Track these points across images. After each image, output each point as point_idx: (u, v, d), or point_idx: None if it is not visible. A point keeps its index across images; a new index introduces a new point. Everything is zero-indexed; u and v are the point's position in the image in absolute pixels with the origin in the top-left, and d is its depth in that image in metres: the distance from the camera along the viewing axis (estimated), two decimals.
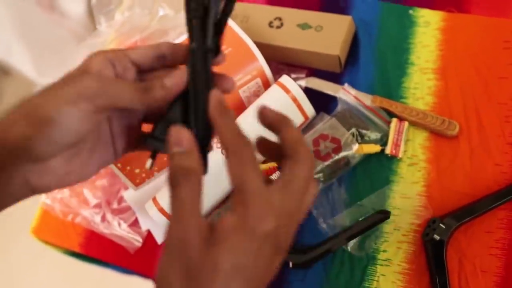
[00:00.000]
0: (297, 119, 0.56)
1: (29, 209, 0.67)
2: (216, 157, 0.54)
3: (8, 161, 0.30)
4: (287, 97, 0.55)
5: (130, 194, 0.62)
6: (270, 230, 0.26)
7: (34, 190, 0.32)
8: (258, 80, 0.60)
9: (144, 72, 0.35)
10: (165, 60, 0.35)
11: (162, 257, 0.27)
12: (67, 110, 0.30)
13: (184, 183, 0.27)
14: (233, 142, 0.28)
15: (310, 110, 0.56)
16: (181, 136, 0.29)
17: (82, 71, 0.32)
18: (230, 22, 0.60)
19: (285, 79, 0.57)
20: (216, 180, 0.50)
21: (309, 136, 0.56)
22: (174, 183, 0.27)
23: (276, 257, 0.28)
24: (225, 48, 0.60)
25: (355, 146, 0.54)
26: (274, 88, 0.57)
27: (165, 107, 0.33)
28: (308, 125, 0.59)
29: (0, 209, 0.32)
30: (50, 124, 0.29)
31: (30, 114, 0.30)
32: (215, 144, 0.36)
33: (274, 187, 0.28)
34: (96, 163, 0.35)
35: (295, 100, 0.56)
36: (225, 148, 0.28)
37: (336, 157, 0.54)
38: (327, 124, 0.56)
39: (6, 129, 0.30)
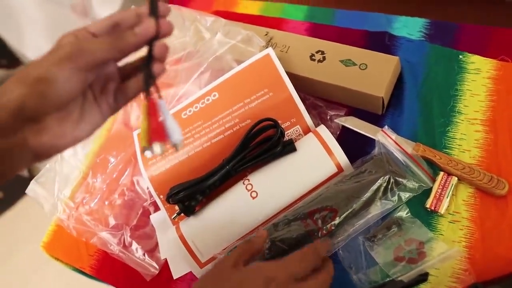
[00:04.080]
0: (329, 169, 0.53)
1: (34, 217, 0.66)
2: (238, 203, 0.52)
3: (7, 122, 0.33)
4: (320, 147, 0.53)
5: (157, 218, 0.60)
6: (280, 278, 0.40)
7: (35, 153, 0.36)
8: (298, 127, 0.58)
9: None
10: (119, 27, 0.39)
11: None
12: (55, 71, 0.34)
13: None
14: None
15: (343, 161, 0.53)
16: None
17: (57, 45, 0.36)
18: (276, 62, 0.59)
19: (321, 129, 0.54)
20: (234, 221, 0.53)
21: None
22: None
23: None
24: (266, 92, 0.58)
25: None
26: (309, 137, 0.55)
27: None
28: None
29: (7, 177, 0.35)
30: (42, 82, 0.34)
31: (23, 77, 0.34)
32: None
33: None
34: (87, 124, 0.39)
35: (328, 150, 0.53)
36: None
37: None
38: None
39: (2, 93, 0.33)
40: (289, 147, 0.55)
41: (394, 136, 0.55)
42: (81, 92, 0.37)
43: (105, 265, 0.63)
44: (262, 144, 0.55)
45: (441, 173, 0.52)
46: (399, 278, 0.48)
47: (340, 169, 0.54)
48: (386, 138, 0.55)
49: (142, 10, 0.39)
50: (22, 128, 0.34)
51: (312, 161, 0.54)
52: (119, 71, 0.42)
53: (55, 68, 0.34)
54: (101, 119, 0.40)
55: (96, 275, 0.64)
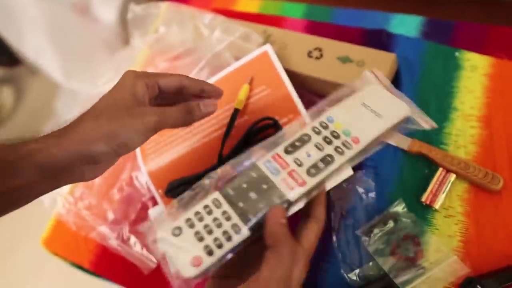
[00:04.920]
0: None
1: (34, 214, 0.66)
2: None
3: (79, 164, 0.38)
4: None
5: (155, 212, 0.60)
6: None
7: (84, 180, 0.41)
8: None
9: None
10: (182, 91, 0.45)
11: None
12: (137, 138, 0.39)
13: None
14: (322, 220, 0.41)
15: None
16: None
17: (132, 96, 0.41)
18: (274, 59, 0.59)
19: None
20: None
21: None
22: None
23: None
24: (264, 88, 0.59)
25: None
26: None
27: None
28: None
29: (53, 189, 0.39)
30: (123, 147, 0.39)
31: (108, 138, 0.38)
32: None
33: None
34: (135, 147, 0.42)
35: None
36: (314, 217, 0.41)
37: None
38: None
39: (85, 147, 0.37)
40: None
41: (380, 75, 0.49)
42: None
43: (104, 260, 0.64)
44: (260, 142, 0.55)
45: (440, 169, 0.52)
46: (397, 276, 0.48)
47: None
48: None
49: (204, 85, 0.46)
50: (84, 168, 0.39)
51: None
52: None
53: (137, 136, 0.39)
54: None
55: (95, 270, 0.64)
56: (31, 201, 0.39)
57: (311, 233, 0.40)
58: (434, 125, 0.44)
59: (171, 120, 0.41)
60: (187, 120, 0.43)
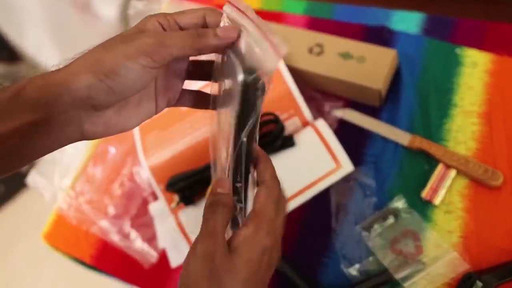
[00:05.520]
0: (328, 165, 0.54)
1: (35, 208, 0.66)
2: None
3: (70, 107, 0.32)
4: (319, 142, 0.54)
5: (155, 207, 0.61)
6: (269, 245, 0.36)
7: (84, 136, 0.35)
8: (296, 119, 0.58)
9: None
10: (205, 25, 0.37)
11: (190, 263, 0.34)
12: (128, 65, 0.32)
13: (220, 211, 0.36)
14: (270, 180, 0.38)
15: (343, 156, 0.54)
16: (225, 183, 0.37)
17: (138, 30, 0.35)
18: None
19: (320, 123, 0.55)
20: None
21: None
22: (212, 210, 0.36)
23: (270, 268, 0.37)
24: None
25: None
26: (308, 131, 0.55)
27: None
28: None
29: (50, 150, 0.34)
30: (112, 76, 0.32)
31: (93, 66, 0.32)
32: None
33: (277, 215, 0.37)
34: (139, 116, 0.37)
35: (327, 146, 0.54)
36: (261, 181, 0.38)
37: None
38: None
39: (70, 77, 0.32)
40: (289, 142, 0.55)
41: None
42: (146, 86, 0.35)
43: (105, 254, 0.64)
44: (262, 138, 0.56)
45: (440, 165, 0.52)
46: (396, 272, 0.48)
47: (338, 165, 0.54)
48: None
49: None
50: (80, 115, 0.33)
51: (311, 157, 0.55)
52: (187, 69, 0.40)
53: (129, 62, 0.32)
54: (153, 112, 0.39)
55: (96, 265, 0.64)
56: (29, 160, 0.34)
57: (261, 195, 0.37)
58: (283, 52, 0.31)
59: (175, 43, 0.33)
60: (197, 46, 0.34)
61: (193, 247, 0.34)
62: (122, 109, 0.36)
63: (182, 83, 0.40)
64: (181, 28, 0.36)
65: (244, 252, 0.35)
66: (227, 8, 0.36)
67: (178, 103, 0.40)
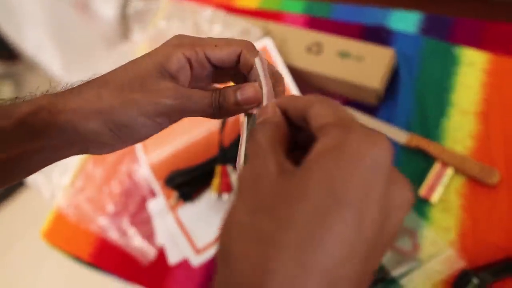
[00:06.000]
0: None
1: (34, 206, 0.66)
2: None
3: (75, 141, 0.32)
4: None
5: (154, 205, 0.61)
6: (382, 160, 0.19)
7: (90, 153, 0.34)
8: None
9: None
10: (237, 64, 0.34)
11: (233, 201, 0.22)
12: (143, 121, 0.31)
13: (268, 127, 0.25)
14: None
15: None
16: (267, 108, 0.28)
17: (160, 68, 0.32)
18: (273, 53, 0.59)
19: None
20: None
21: None
22: (255, 132, 0.25)
23: (393, 213, 0.21)
24: None
25: None
26: None
27: None
28: None
29: (54, 162, 0.34)
30: (124, 130, 0.31)
31: (106, 115, 0.31)
32: None
33: None
34: (144, 137, 0.35)
35: None
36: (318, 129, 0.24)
37: None
38: None
39: (78, 119, 0.31)
40: None
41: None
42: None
43: (104, 252, 0.64)
44: None
45: (437, 163, 0.53)
46: (393, 268, 0.49)
47: None
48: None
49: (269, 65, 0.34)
50: (86, 144, 0.33)
51: None
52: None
53: (145, 119, 0.31)
54: (167, 125, 0.35)
55: (95, 262, 0.65)
56: (33, 173, 0.33)
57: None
58: None
59: (195, 107, 0.31)
60: (217, 109, 0.32)
61: (237, 181, 0.23)
62: (130, 137, 0.34)
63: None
64: (211, 63, 0.33)
65: (321, 165, 0.20)
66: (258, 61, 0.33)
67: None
